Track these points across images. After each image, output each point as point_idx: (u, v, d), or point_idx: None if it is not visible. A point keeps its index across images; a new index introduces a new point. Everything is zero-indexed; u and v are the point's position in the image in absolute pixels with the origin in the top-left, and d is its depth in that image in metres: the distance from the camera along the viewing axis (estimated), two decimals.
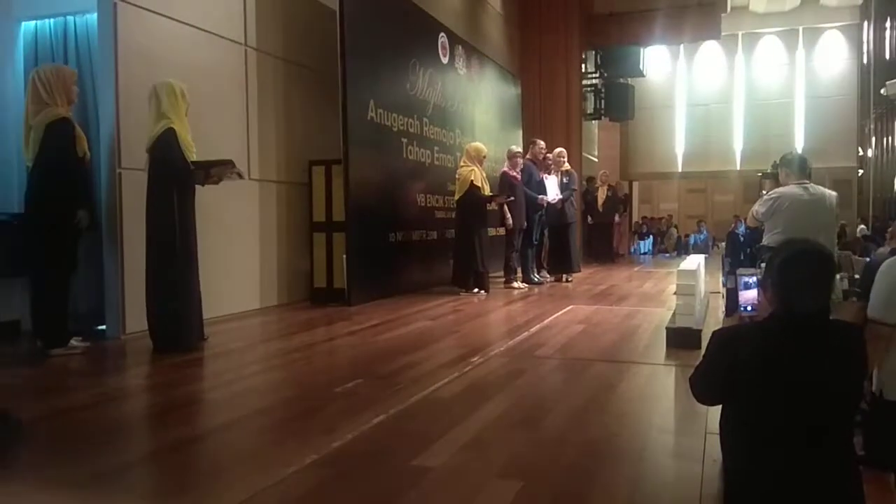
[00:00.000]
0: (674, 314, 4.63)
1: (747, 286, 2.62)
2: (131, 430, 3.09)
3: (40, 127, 4.24)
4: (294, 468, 2.37)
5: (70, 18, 5.44)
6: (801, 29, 20.16)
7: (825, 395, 1.91)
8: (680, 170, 21.12)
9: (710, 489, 2.19)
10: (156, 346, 4.46)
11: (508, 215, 7.98)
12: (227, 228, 5.89)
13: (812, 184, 5.15)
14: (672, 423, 2.98)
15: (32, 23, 5.51)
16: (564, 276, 9.13)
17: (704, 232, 18.18)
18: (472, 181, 7.58)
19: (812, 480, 1.88)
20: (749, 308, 2.63)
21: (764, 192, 5.92)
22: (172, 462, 2.58)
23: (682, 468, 2.38)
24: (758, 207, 5.19)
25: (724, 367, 2.07)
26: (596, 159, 17.30)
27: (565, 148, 9.89)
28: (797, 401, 1.89)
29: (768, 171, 6.20)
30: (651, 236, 18.38)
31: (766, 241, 5.14)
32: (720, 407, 2.27)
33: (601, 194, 13.17)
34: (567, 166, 9.34)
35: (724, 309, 4.93)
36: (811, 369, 1.92)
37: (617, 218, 13.86)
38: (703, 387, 2.21)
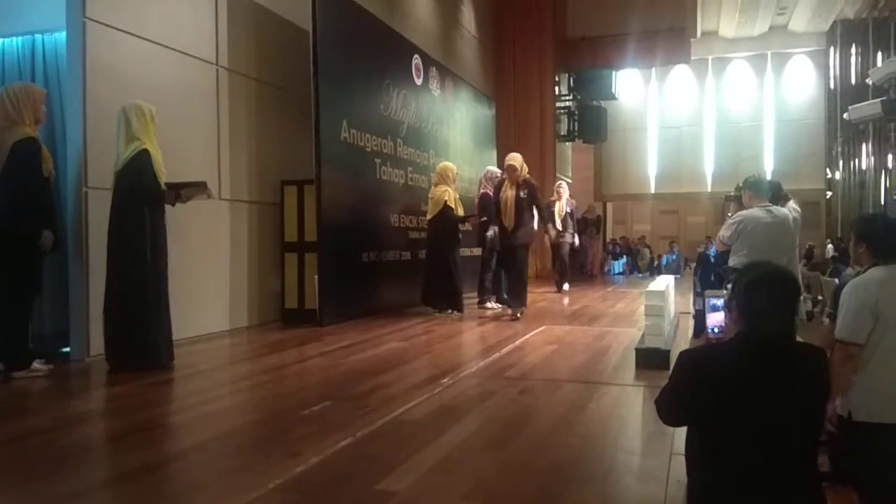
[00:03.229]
0: (643, 335, 4.66)
1: (715, 308, 2.65)
2: (92, 455, 3.03)
3: (6, 146, 4.18)
4: (256, 494, 2.33)
5: (38, 37, 5.37)
6: (769, 53, 20.61)
7: (789, 415, 1.93)
8: (653, 191, 21.37)
9: None
10: (118, 368, 4.38)
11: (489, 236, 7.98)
12: (197, 249, 5.83)
13: (774, 206, 5.25)
14: (638, 445, 2.99)
15: None
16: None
17: (676, 252, 18.38)
18: (445, 201, 7.59)
19: (776, 500, 1.89)
20: (716, 330, 2.65)
21: (729, 214, 6.02)
22: (133, 488, 2.53)
23: (646, 490, 2.38)
24: (723, 232, 5.27)
25: (689, 388, 2.08)
26: (570, 180, 17.45)
27: (539, 168, 10.04)
28: (761, 422, 1.91)
29: (732, 193, 6.30)
30: (624, 256, 18.53)
31: (731, 262, 5.21)
32: (686, 428, 2.28)
33: (558, 209, 10.75)
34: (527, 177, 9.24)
35: (692, 330, 4.97)
36: (775, 390, 1.94)
37: (573, 239, 11.16)
38: (669, 408, 2.22)
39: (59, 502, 2.33)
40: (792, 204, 5.72)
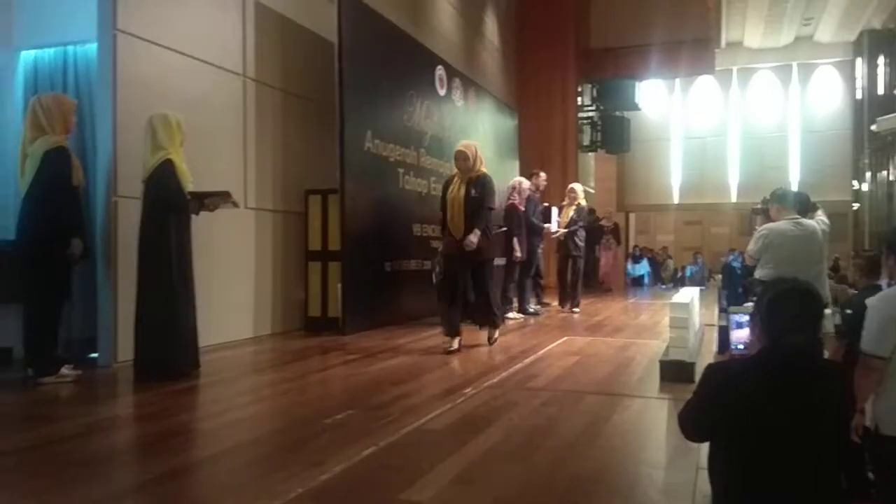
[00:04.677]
0: (667, 347, 4.62)
1: (739, 325, 2.63)
2: (120, 461, 3.07)
3: (37, 154, 4.27)
4: (279, 501, 2.34)
5: (70, 48, 5.49)
6: (795, 64, 20.41)
7: (811, 432, 1.92)
8: (676, 202, 21.21)
9: None
10: (144, 375, 4.44)
11: (517, 247, 7.98)
12: (222, 257, 5.89)
13: (802, 218, 5.19)
14: (663, 458, 2.96)
15: (32, 52, 5.56)
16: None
17: (700, 263, 18.20)
18: None
19: None
20: (741, 346, 2.63)
21: (756, 227, 5.96)
22: (160, 494, 2.55)
23: None
24: (751, 246, 5.22)
25: (712, 403, 2.07)
26: (593, 190, 17.38)
27: (561, 179, 9.99)
28: (783, 438, 1.90)
29: (758, 206, 6.24)
30: (644, 259, 18.08)
31: (758, 274, 5.16)
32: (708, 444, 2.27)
33: (564, 215, 9.28)
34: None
35: (717, 345, 4.92)
36: (797, 407, 1.92)
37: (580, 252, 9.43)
38: (692, 423, 2.20)
39: None
40: (820, 215, 5.65)
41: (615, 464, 2.90)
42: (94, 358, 4.96)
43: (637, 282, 17.52)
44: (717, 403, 2.04)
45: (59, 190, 4.26)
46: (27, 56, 5.55)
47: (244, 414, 3.79)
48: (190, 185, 4.59)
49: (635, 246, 19.24)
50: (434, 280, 5.86)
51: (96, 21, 4.96)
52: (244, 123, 6.31)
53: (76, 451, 3.04)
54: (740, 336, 2.68)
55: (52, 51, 5.53)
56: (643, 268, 17.78)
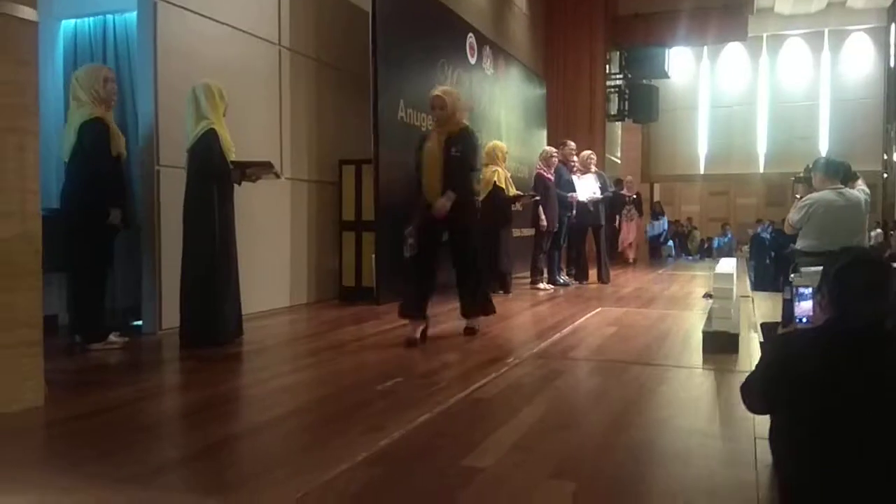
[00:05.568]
0: (709, 318, 4.60)
1: (802, 297, 2.61)
2: (177, 426, 3.14)
3: (74, 126, 4.31)
4: (346, 465, 2.38)
5: (109, 17, 5.49)
6: (826, 31, 19.98)
7: (882, 404, 1.91)
8: (702, 172, 21.00)
9: (767, 496, 2.18)
10: (188, 342, 4.51)
11: (543, 216, 7.96)
12: (261, 227, 5.93)
13: (845, 188, 5.13)
14: (717, 429, 2.97)
15: (72, 21, 5.57)
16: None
17: (729, 235, 18.02)
18: (494, 181, 7.57)
19: (870, 490, 1.87)
20: (804, 319, 2.62)
21: (798, 196, 5.89)
22: (220, 458, 2.60)
23: (735, 474, 2.37)
24: (793, 215, 5.16)
25: (779, 376, 2.07)
26: (619, 161, 17.21)
27: (589, 149, 9.90)
28: (853, 411, 1.89)
29: (801, 174, 6.16)
30: (664, 217, 17.27)
31: (799, 245, 5.12)
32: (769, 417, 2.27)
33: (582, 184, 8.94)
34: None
35: (781, 319, 4.88)
36: (867, 379, 1.91)
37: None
38: (758, 395, 2.21)
39: (155, 471, 2.40)
40: (861, 185, 5.58)
41: (668, 434, 2.92)
42: (137, 326, 5.05)
43: (657, 244, 16.61)
44: (785, 375, 2.04)
45: (97, 160, 4.29)
46: (67, 25, 5.56)
47: (292, 380, 3.85)
48: (232, 155, 4.61)
49: (656, 202, 18.73)
50: (406, 254, 4.80)
51: None
52: (280, 93, 6.31)
53: (131, 417, 3.10)
54: (804, 308, 2.66)
55: (91, 20, 5.53)
56: (662, 225, 16.96)
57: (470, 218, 4.94)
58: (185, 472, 2.48)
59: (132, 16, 5.18)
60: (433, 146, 4.83)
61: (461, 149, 4.75)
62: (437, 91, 4.89)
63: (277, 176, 4.98)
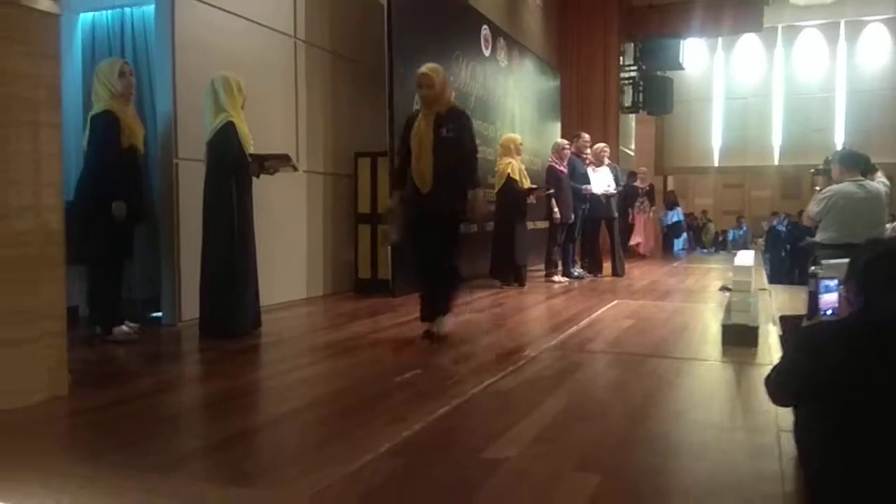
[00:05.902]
0: (728, 311, 4.58)
1: (828, 289, 2.59)
2: (197, 417, 3.16)
3: (89, 119, 4.34)
4: (370, 456, 2.39)
5: (127, 10, 5.51)
6: (842, 22, 19.72)
7: None
8: (716, 164, 20.83)
9: (792, 488, 2.17)
10: (207, 333, 4.53)
11: (556, 209, 7.94)
12: (277, 219, 5.95)
13: (866, 180, 5.09)
14: (739, 421, 2.96)
15: (90, 14, 5.59)
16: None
17: (744, 227, 17.88)
18: (508, 174, 7.56)
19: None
20: (830, 312, 2.61)
21: (817, 188, 5.85)
22: (240, 449, 2.61)
23: (759, 466, 2.36)
24: (812, 207, 5.13)
25: (804, 368, 2.06)
26: (632, 153, 17.11)
27: (602, 141, 9.85)
28: (878, 404, 1.88)
29: (820, 166, 6.11)
30: (678, 207, 16.73)
31: (819, 237, 5.08)
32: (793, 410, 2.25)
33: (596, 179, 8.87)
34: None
35: (806, 311, 4.85)
36: (893, 372, 1.90)
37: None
38: (784, 386, 2.20)
39: (176, 461, 2.42)
40: (881, 177, 5.54)
41: (690, 426, 2.91)
42: (157, 317, 5.08)
43: (672, 236, 16.06)
44: (810, 367, 2.03)
45: (105, 152, 4.29)
46: (85, 18, 5.59)
47: (311, 372, 3.87)
48: (251, 148, 4.62)
49: (670, 191, 18.44)
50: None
51: None
52: (295, 85, 6.31)
53: (151, 408, 3.12)
54: (829, 301, 2.64)
55: (109, 13, 5.55)
56: (677, 214, 16.40)
57: (460, 205, 4.46)
58: (205, 462, 2.50)
59: (150, 9, 5.20)
60: (423, 128, 4.42)
61: (453, 128, 4.38)
62: (424, 69, 4.50)
63: (295, 168, 4.99)
